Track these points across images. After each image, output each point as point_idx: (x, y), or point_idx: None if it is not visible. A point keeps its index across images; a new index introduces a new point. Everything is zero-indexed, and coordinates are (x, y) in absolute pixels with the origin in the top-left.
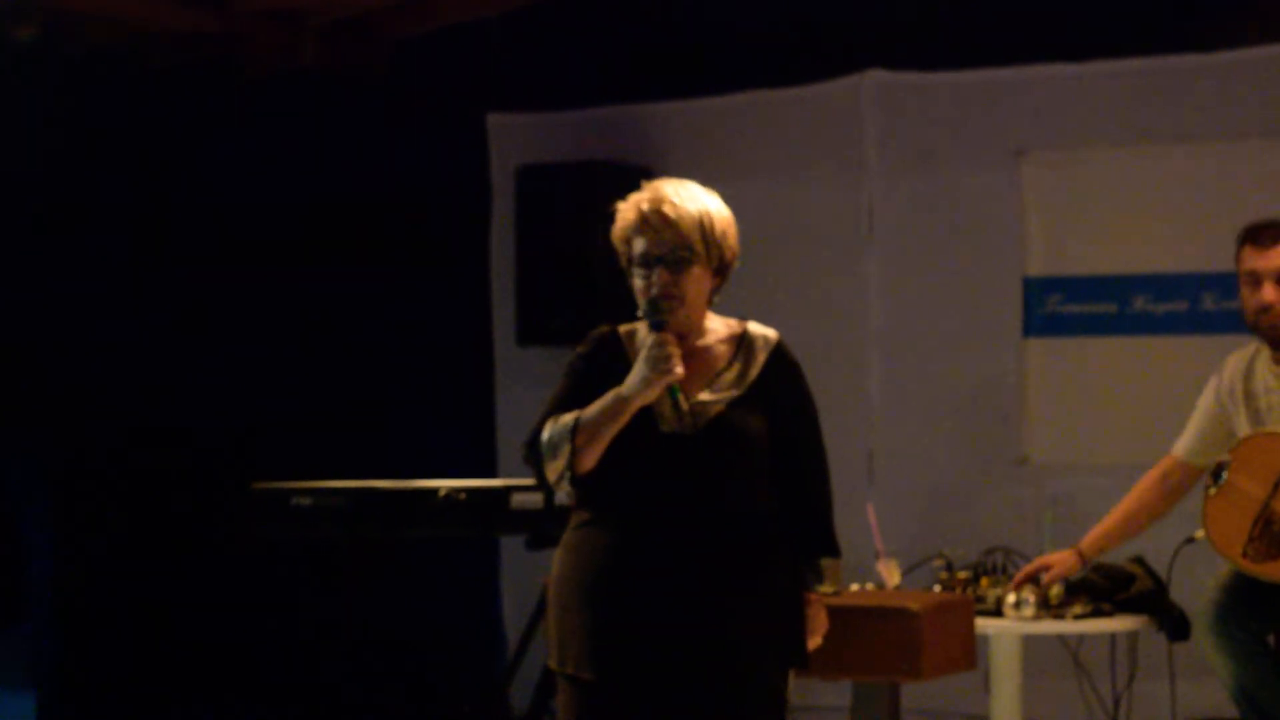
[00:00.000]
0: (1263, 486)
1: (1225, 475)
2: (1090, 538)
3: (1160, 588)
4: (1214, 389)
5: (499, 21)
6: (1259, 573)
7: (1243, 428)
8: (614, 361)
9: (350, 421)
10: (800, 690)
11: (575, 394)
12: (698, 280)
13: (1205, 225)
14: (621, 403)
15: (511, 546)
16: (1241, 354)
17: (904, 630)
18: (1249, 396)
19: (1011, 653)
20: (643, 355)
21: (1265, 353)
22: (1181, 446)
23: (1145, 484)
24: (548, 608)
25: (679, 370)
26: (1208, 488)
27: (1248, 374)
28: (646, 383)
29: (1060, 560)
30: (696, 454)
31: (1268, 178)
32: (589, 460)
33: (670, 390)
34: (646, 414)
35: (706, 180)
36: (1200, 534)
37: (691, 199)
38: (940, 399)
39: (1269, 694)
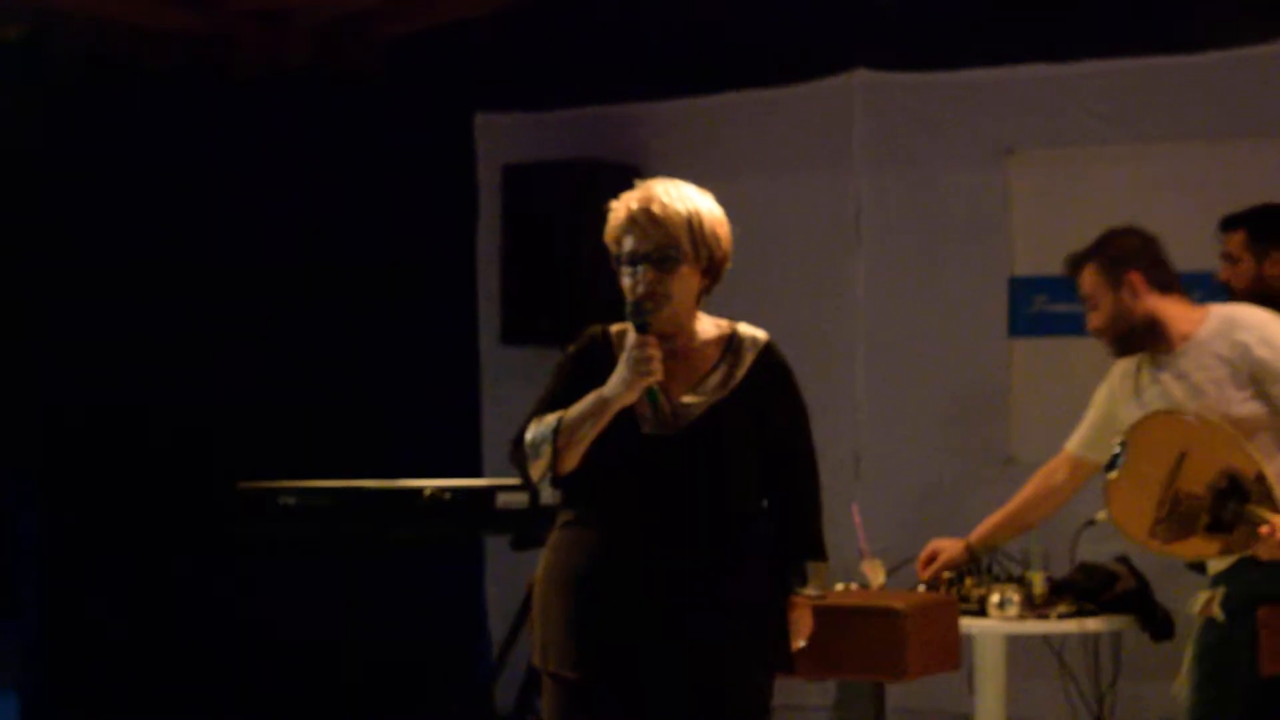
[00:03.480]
0: (1163, 467)
1: (1124, 459)
2: (980, 531)
3: (1144, 587)
4: (1107, 385)
5: (486, 21)
6: (1170, 552)
7: (1132, 418)
8: (603, 361)
9: (336, 421)
10: (785, 690)
11: (564, 393)
12: (684, 280)
13: (1191, 224)
14: (602, 404)
15: (496, 546)
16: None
17: (889, 630)
18: (1138, 390)
19: (996, 652)
20: (624, 357)
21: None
22: (1074, 442)
23: (1037, 480)
24: (532, 607)
25: (658, 373)
26: (1108, 473)
27: (1138, 368)
28: (626, 384)
29: (949, 548)
30: (677, 456)
31: (1254, 177)
32: (571, 461)
33: (649, 392)
34: (629, 415)
35: (694, 180)
36: (1102, 515)
37: (682, 199)
38: (926, 398)
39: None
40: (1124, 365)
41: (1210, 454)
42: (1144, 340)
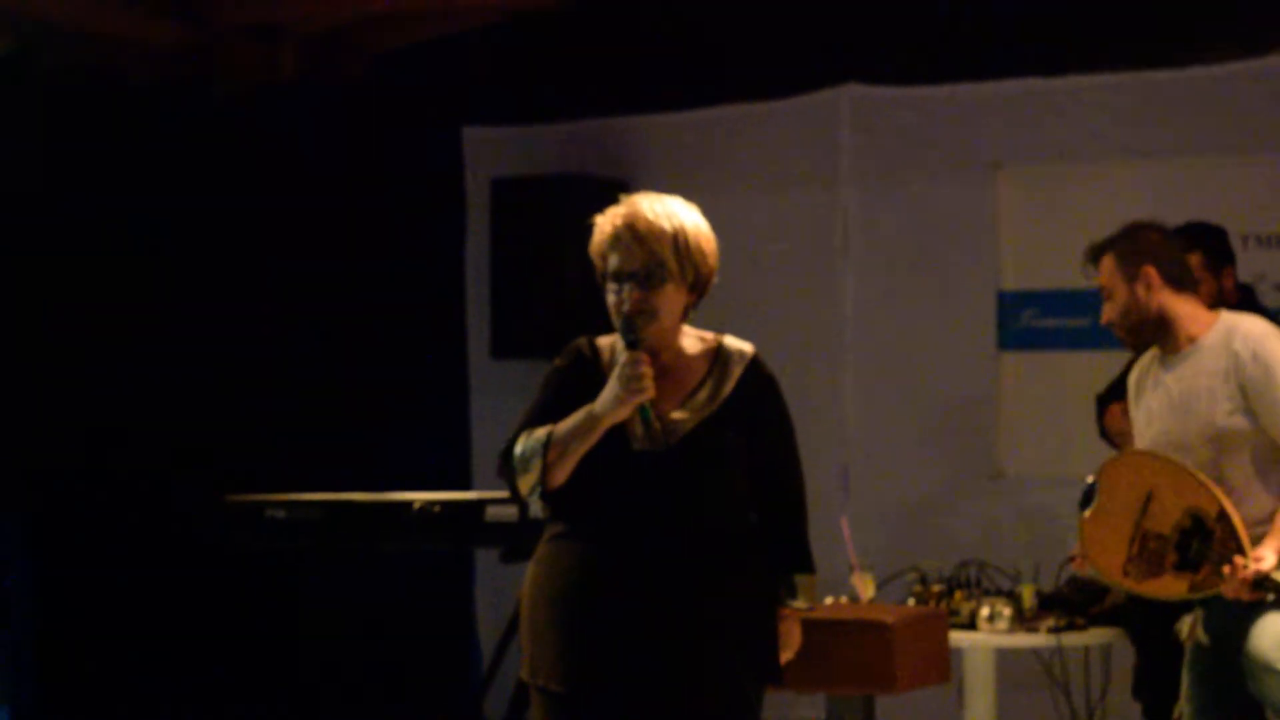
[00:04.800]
0: (1132, 506)
1: (1096, 498)
2: None
3: (1133, 601)
4: (1131, 403)
5: (474, 36)
6: (1140, 590)
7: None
8: (590, 374)
9: (324, 433)
10: (774, 703)
11: (551, 406)
12: (670, 297)
13: None
14: (593, 420)
15: (486, 559)
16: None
17: (878, 643)
18: (1141, 391)
19: (985, 666)
20: (615, 373)
21: (1154, 352)
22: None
23: None
24: (520, 620)
25: (651, 389)
26: (1081, 510)
27: (1148, 369)
28: (618, 401)
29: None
30: (668, 471)
31: (1241, 193)
32: (560, 475)
33: (641, 409)
34: (619, 430)
35: (682, 194)
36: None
37: (667, 215)
38: (915, 412)
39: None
40: (1137, 372)
41: (1175, 493)
42: (1154, 335)
